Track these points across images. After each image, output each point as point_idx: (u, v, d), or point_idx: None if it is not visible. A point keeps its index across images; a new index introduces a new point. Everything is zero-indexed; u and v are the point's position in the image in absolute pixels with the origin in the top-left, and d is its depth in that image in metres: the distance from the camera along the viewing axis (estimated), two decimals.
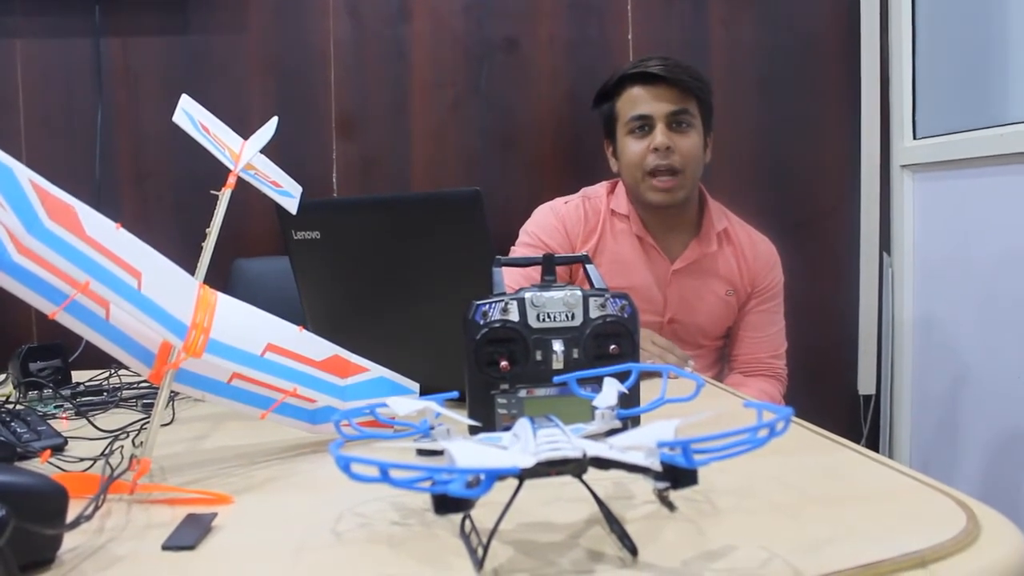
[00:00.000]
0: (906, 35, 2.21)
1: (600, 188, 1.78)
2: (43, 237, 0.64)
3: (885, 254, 2.29)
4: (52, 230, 0.65)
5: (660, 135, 1.64)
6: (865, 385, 2.34)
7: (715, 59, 2.26)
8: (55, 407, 1.07)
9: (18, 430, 0.88)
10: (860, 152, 2.29)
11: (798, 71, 2.29)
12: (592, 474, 0.52)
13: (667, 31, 2.24)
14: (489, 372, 0.77)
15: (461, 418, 0.68)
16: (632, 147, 1.68)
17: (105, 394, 1.15)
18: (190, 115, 0.90)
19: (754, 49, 2.27)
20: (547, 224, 1.72)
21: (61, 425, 0.97)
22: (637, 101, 1.68)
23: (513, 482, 0.52)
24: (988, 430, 1.92)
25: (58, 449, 0.86)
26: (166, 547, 0.58)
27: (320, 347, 0.85)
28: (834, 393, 2.34)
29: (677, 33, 2.24)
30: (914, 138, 2.21)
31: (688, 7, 2.25)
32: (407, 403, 0.65)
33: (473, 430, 0.71)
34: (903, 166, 2.23)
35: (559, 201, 1.77)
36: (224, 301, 0.80)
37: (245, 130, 0.95)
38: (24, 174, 0.65)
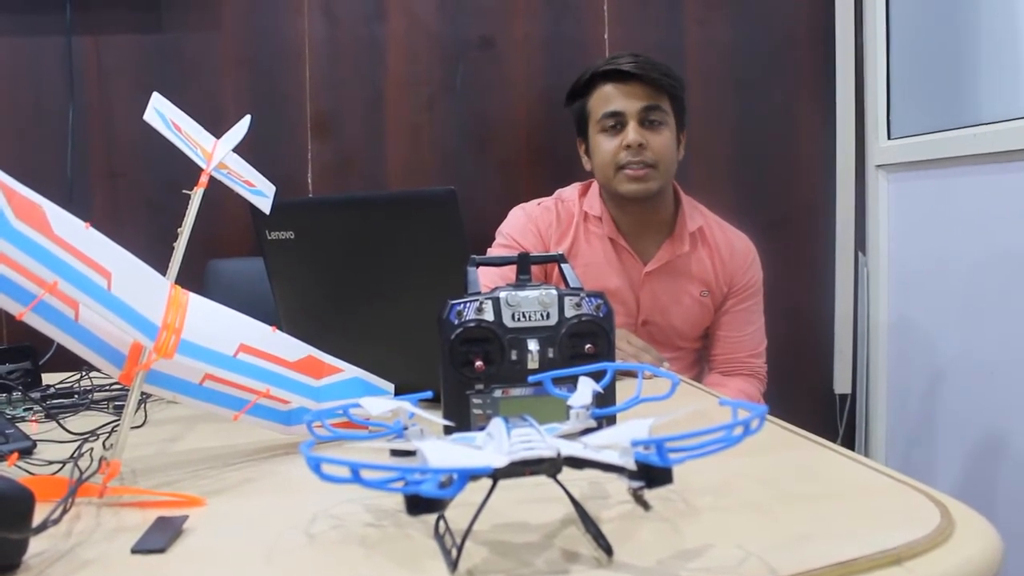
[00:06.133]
0: (880, 35, 2.23)
1: (572, 191, 1.77)
2: (9, 236, 0.63)
3: (860, 254, 2.31)
4: (19, 229, 0.64)
5: (632, 132, 1.63)
6: (841, 384, 2.35)
7: (690, 58, 2.26)
8: (24, 410, 1.06)
9: None
10: (835, 152, 2.30)
11: (773, 70, 2.30)
12: (567, 474, 0.52)
13: (643, 30, 2.24)
14: (464, 372, 0.77)
15: (435, 418, 0.67)
16: (605, 144, 1.67)
17: (76, 396, 1.13)
18: (162, 114, 0.89)
19: (729, 48, 2.28)
20: (521, 226, 1.71)
21: (30, 428, 0.96)
22: (609, 98, 1.67)
23: (487, 483, 0.51)
24: (963, 429, 1.94)
25: (26, 452, 0.84)
26: (136, 550, 0.57)
27: (294, 348, 0.84)
28: (810, 392, 2.35)
29: (653, 32, 2.25)
30: (888, 138, 2.22)
31: (664, 6, 2.25)
32: (381, 403, 0.65)
33: (448, 430, 0.71)
34: (878, 166, 2.24)
35: (532, 203, 1.76)
36: (196, 301, 0.79)
37: (219, 130, 0.94)
38: None
